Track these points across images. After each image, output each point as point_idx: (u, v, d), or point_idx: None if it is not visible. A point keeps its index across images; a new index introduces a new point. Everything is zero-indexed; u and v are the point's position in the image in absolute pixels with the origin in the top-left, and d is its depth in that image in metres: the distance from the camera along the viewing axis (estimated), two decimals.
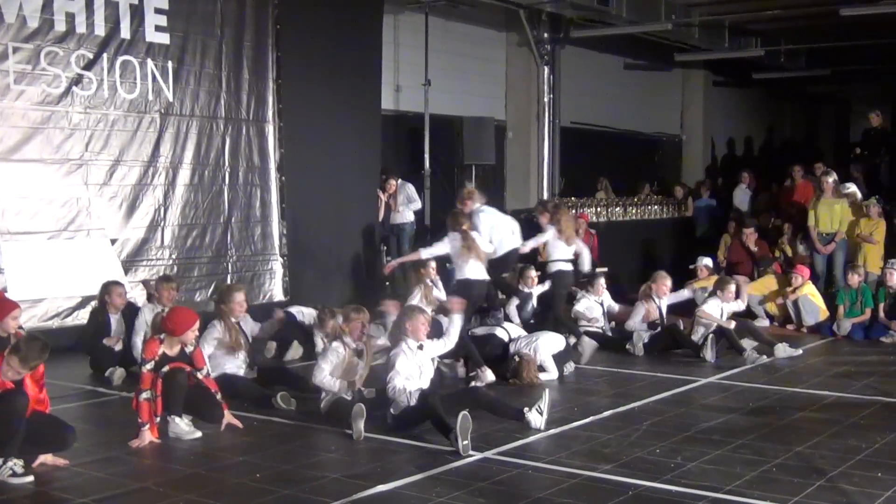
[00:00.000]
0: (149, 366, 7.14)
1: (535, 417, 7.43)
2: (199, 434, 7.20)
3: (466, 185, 11.92)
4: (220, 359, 8.44)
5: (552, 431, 7.35)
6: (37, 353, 6.19)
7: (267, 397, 8.23)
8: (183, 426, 7.21)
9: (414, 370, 7.57)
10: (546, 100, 18.22)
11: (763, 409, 8.20)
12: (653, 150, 23.02)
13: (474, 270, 9.92)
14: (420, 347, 7.69)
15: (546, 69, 18.16)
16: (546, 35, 17.98)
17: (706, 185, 18.99)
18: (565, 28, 18.09)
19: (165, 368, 7.19)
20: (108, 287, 9.81)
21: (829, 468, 6.36)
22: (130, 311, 9.81)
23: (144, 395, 7.05)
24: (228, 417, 7.47)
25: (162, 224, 11.89)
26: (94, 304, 10.25)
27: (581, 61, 19.70)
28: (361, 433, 7.17)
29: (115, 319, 9.73)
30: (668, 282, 11.23)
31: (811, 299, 12.50)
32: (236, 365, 8.55)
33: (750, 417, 7.90)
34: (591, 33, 18.11)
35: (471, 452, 6.69)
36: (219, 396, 7.53)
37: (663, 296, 11.14)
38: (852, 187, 14.24)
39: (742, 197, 17.74)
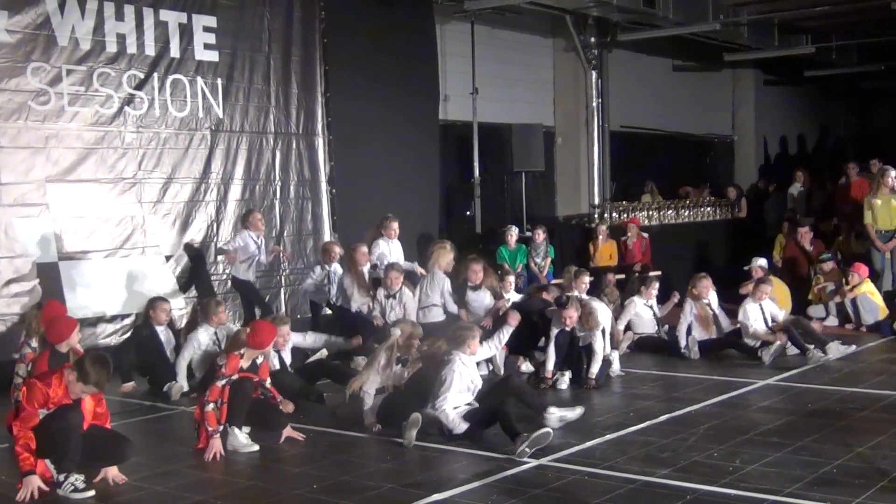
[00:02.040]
0: (223, 381, 7.23)
1: (555, 417, 7.45)
2: (256, 448, 7.26)
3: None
4: None
5: (608, 437, 7.31)
6: (105, 377, 6.28)
7: (312, 391, 8.57)
8: (241, 439, 7.27)
9: (466, 384, 7.56)
10: (594, 104, 18.13)
11: (822, 410, 8.08)
12: (705, 152, 22.82)
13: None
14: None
15: (594, 74, 18.08)
16: (593, 39, 17.90)
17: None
18: (612, 32, 18.01)
19: (234, 377, 7.28)
20: (154, 303, 9.94)
21: (891, 469, 6.25)
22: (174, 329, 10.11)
23: (210, 406, 7.14)
24: (289, 430, 7.52)
25: (215, 240, 12.01)
26: (136, 322, 10.53)
27: (629, 64, 19.59)
28: (412, 441, 7.18)
29: (161, 331, 9.84)
30: (708, 282, 11.02)
31: (870, 297, 12.30)
32: None
33: (809, 419, 7.79)
34: (638, 36, 18.01)
35: (526, 459, 6.68)
36: (282, 407, 7.62)
37: (706, 297, 10.98)
38: None
39: (797, 196, 17.53)
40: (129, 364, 9.71)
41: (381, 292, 10.63)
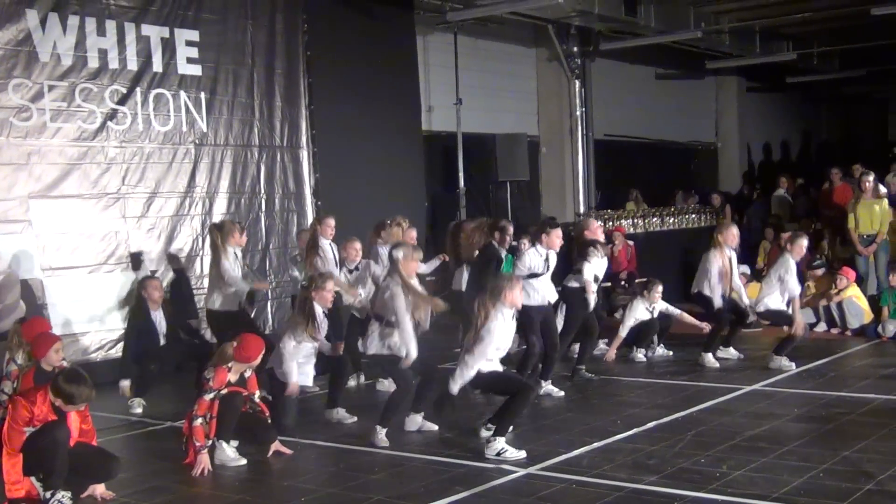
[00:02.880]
0: (211, 395, 7.22)
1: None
2: (244, 462, 7.24)
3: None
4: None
5: (596, 445, 7.32)
6: (85, 394, 6.25)
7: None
8: (229, 453, 7.26)
9: (505, 339, 7.51)
10: (578, 113, 18.18)
11: (808, 414, 8.12)
12: (689, 159, 22.90)
13: None
14: (513, 317, 7.60)
15: (577, 83, 18.14)
16: (575, 49, 17.97)
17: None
18: (594, 41, 18.08)
19: (224, 391, 7.26)
20: (144, 283, 9.78)
21: (877, 472, 6.28)
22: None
23: (199, 421, 7.13)
24: (277, 445, 7.50)
25: (200, 254, 11.97)
26: (128, 308, 10.33)
27: (612, 73, 19.67)
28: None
29: (157, 315, 9.63)
30: (660, 287, 11.25)
31: (856, 301, 12.37)
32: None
33: (795, 423, 7.83)
34: (621, 45, 18.10)
35: (514, 468, 6.69)
36: (270, 421, 7.60)
37: (655, 301, 11.20)
38: (883, 188, 14.06)
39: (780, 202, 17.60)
40: (132, 356, 9.54)
41: (343, 272, 10.25)
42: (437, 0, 14.98)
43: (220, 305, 9.74)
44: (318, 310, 8.37)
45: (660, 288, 11.32)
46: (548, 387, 9.25)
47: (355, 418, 8.55)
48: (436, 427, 8.03)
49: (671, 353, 11.30)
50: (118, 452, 6.85)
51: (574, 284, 9.95)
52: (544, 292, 9.32)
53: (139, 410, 9.29)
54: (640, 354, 11.16)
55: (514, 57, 18.30)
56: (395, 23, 14.47)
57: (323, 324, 8.44)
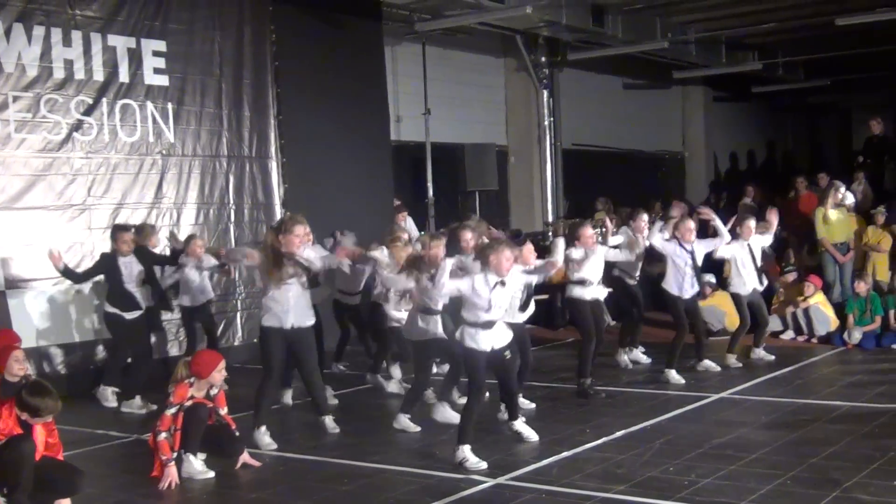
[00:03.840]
0: (173, 409, 7.16)
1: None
2: (211, 474, 7.19)
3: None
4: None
5: (564, 454, 7.32)
6: (50, 407, 6.18)
7: None
8: (197, 465, 7.20)
9: (483, 302, 7.31)
10: (546, 123, 18.28)
11: (776, 421, 8.17)
12: (656, 168, 23.04)
13: None
14: (502, 284, 7.34)
15: (545, 93, 18.24)
16: (543, 59, 18.08)
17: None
18: (562, 51, 18.19)
19: (188, 403, 7.21)
20: (116, 233, 10.06)
21: (844, 478, 6.32)
22: (144, 255, 10.26)
23: (163, 435, 7.08)
24: (246, 457, 7.45)
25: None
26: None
27: (580, 83, 19.77)
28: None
29: (124, 262, 9.96)
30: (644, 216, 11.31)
31: (822, 309, 12.47)
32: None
33: (763, 431, 7.88)
34: (589, 55, 18.19)
35: (483, 478, 6.69)
36: (237, 433, 7.54)
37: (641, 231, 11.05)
38: (850, 198, 14.20)
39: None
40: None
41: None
42: (405, 11, 15.01)
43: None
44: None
45: (645, 217, 11.28)
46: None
47: (337, 429, 8.49)
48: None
49: (650, 360, 11.33)
50: (84, 466, 6.76)
51: (577, 294, 9.76)
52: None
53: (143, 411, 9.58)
54: (625, 357, 11.21)
55: (483, 67, 18.36)
56: (363, 33, 14.47)
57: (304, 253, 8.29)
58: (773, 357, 11.19)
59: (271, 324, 8.15)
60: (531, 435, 7.79)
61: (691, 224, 10.57)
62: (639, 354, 11.47)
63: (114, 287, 10.00)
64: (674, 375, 10.21)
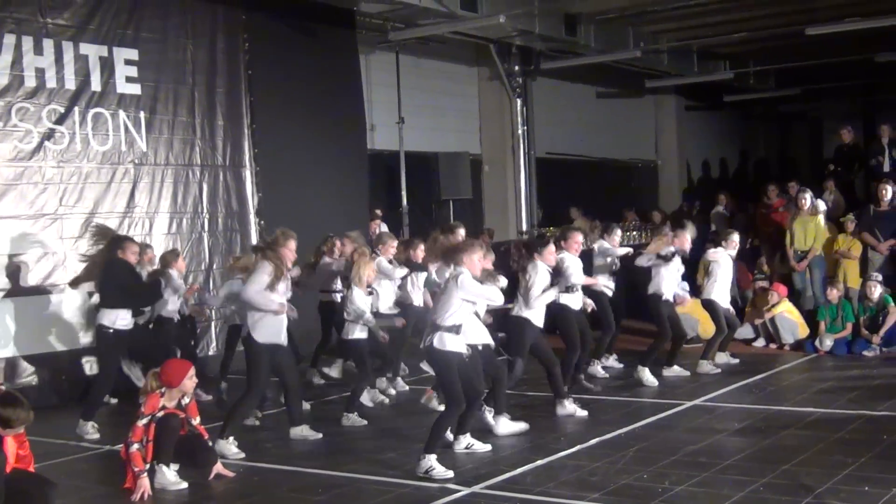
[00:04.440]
0: (144, 420, 7.12)
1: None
2: (185, 485, 7.14)
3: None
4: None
5: (539, 462, 7.33)
6: (21, 413, 6.12)
7: None
8: (170, 476, 7.16)
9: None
10: (520, 132, 18.30)
11: (748, 429, 8.22)
12: (629, 177, 23.14)
13: None
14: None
15: (518, 101, 18.27)
16: (517, 68, 18.11)
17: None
18: (535, 60, 18.22)
19: (160, 414, 7.16)
20: (122, 242, 9.41)
21: (816, 485, 6.37)
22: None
23: (135, 447, 7.03)
24: (219, 467, 7.41)
25: (142, 273, 11.80)
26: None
27: (553, 92, 19.82)
28: None
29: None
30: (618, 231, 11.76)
31: (788, 316, 12.57)
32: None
33: (736, 438, 7.92)
34: (561, 64, 18.25)
35: (458, 487, 6.68)
36: (210, 443, 7.50)
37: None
38: (822, 205, 14.32)
39: (719, 219, 17.82)
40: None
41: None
42: (378, 19, 15.00)
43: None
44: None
45: (618, 231, 11.69)
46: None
47: (320, 435, 8.53)
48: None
49: (622, 366, 11.45)
50: (56, 478, 6.70)
51: (564, 301, 9.74)
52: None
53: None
54: (599, 368, 11.18)
55: (456, 76, 18.38)
56: (337, 42, 14.46)
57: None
58: (737, 360, 11.51)
59: (266, 340, 8.12)
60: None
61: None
62: (612, 362, 11.56)
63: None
64: (647, 375, 10.37)
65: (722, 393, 9.82)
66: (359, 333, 9.34)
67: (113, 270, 9.24)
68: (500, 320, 9.27)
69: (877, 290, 12.07)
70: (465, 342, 7.48)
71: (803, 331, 12.50)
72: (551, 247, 9.11)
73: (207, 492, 7.13)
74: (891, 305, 11.98)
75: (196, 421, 7.46)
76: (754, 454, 7.30)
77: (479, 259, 7.48)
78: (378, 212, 14.86)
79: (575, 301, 9.77)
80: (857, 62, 19.02)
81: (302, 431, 8.55)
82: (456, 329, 7.36)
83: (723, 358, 11.43)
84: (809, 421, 8.39)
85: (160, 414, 7.17)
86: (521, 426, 8.38)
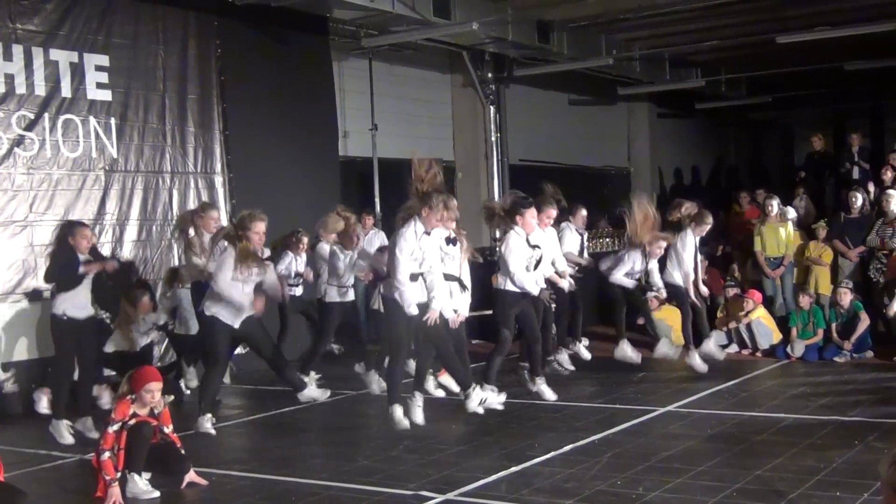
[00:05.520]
0: (115, 427, 7.04)
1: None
2: (157, 494, 7.08)
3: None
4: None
5: (513, 469, 7.32)
6: None
7: None
8: (141, 485, 7.08)
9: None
10: (493, 139, 18.33)
11: (721, 434, 8.24)
12: (602, 184, 23.18)
13: None
14: (427, 234, 8.05)
15: (492, 108, 18.30)
16: (490, 75, 18.14)
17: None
18: (508, 67, 18.26)
19: (132, 422, 7.09)
20: (74, 228, 9.02)
21: (788, 490, 6.39)
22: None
23: (107, 455, 6.95)
24: (192, 475, 7.35)
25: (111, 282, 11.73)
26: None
27: (526, 99, 19.86)
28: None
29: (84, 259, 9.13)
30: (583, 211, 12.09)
31: (763, 323, 12.63)
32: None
33: (709, 444, 7.94)
34: (534, 71, 18.29)
35: (431, 494, 6.66)
36: (183, 451, 7.43)
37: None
38: (792, 212, 14.43)
39: None
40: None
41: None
42: (351, 26, 14.98)
43: None
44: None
45: (584, 211, 11.93)
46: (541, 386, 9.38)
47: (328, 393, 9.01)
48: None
49: (589, 356, 11.60)
50: (26, 487, 6.63)
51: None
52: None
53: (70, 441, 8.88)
54: (583, 348, 11.48)
55: (430, 83, 18.38)
56: (310, 48, 14.44)
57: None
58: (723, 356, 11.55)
59: (222, 317, 8.20)
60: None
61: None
62: (581, 348, 11.58)
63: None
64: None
65: (695, 399, 9.85)
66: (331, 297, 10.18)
67: (54, 257, 9.05)
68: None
69: (847, 297, 12.16)
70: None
71: (777, 336, 12.57)
72: (533, 211, 8.95)
73: (180, 500, 7.07)
74: (861, 312, 12.07)
75: (169, 429, 7.39)
76: (727, 460, 7.32)
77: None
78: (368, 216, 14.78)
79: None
80: (827, 70, 19.17)
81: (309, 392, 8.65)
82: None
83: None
84: (782, 427, 8.43)
85: (132, 422, 7.10)
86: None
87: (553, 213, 9.92)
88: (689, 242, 11.24)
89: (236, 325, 8.54)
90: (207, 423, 8.25)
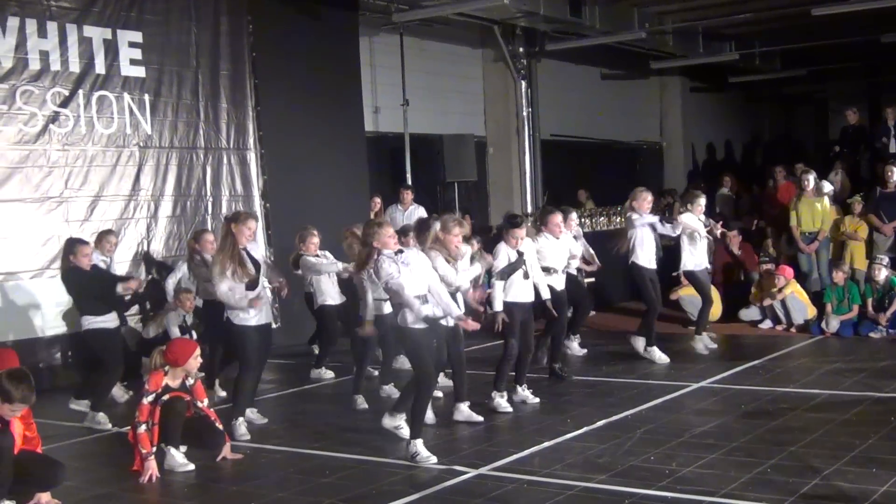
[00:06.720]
0: (150, 398, 7.12)
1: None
2: (192, 467, 7.16)
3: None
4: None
5: (546, 444, 7.34)
6: (27, 390, 6.07)
7: None
8: (178, 458, 7.18)
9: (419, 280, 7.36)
10: (525, 114, 18.25)
11: (755, 410, 8.21)
12: (634, 159, 23.08)
13: None
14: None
15: (523, 83, 18.21)
16: (521, 49, 18.05)
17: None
18: (540, 42, 18.17)
19: (165, 397, 7.17)
20: (74, 246, 9.00)
21: (823, 466, 6.37)
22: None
23: (143, 428, 7.04)
24: (227, 449, 7.42)
25: (146, 257, 11.84)
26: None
27: (558, 74, 19.75)
28: None
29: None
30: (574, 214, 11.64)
31: (798, 298, 12.55)
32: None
33: (743, 420, 7.92)
34: (566, 45, 18.18)
35: (465, 469, 6.69)
36: (219, 425, 7.50)
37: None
38: (828, 186, 14.28)
39: (725, 200, 17.79)
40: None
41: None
42: (382, 1, 14.95)
43: None
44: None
45: (574, 216, 11.60)
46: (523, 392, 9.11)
47: (266, 420, 8.58)
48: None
49: (585, 350, 11.54)
50: (63, 459, 6.73)
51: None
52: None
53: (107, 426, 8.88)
54: (576, 345, 11.41)
55: (461, 58, 18.32)
56: (340, 24, 14.41)
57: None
58: (715, 346, 11.46)
59: (242, 321, 8.04)
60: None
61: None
62: (574, 344, 11.53)
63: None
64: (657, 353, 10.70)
65: (729, 375, 9.81)
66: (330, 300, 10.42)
67: (69, 282, 9.11)
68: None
69: (882, 273, 12.04)
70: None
71: (812, 311, 12.49)
72: (517, 231, 8.91)
73: (215, 473, 7.15)
74: None
75: (203, 403, 7.47)
76: (761, 436, 7.30)
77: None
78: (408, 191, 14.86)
79: (552, 281, 9.62)
80: (862, 43, 18.92)
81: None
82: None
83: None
84: (816, 403, 8.39)
85: (165, 397, 7.17)
86: (477, 417, 8.28)
87: (557, 219, 9.81)
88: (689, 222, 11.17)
89: (262, 322, 8.26)
90: (242, 428, 8.09)
